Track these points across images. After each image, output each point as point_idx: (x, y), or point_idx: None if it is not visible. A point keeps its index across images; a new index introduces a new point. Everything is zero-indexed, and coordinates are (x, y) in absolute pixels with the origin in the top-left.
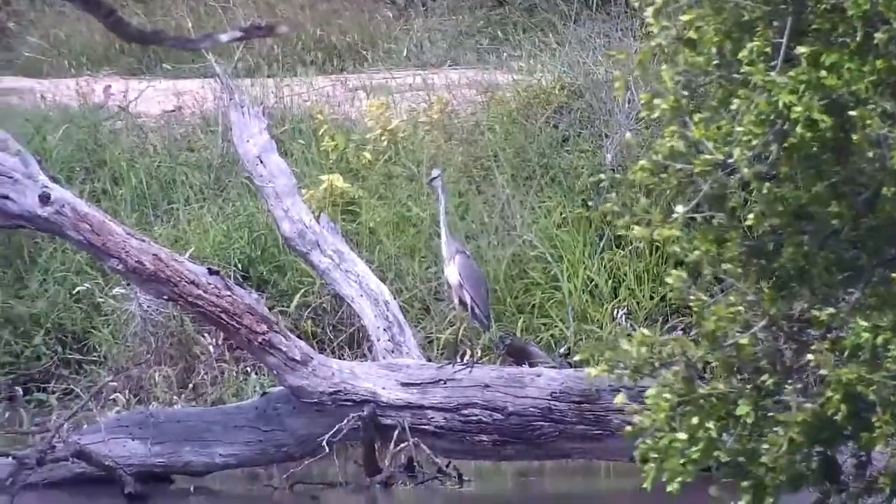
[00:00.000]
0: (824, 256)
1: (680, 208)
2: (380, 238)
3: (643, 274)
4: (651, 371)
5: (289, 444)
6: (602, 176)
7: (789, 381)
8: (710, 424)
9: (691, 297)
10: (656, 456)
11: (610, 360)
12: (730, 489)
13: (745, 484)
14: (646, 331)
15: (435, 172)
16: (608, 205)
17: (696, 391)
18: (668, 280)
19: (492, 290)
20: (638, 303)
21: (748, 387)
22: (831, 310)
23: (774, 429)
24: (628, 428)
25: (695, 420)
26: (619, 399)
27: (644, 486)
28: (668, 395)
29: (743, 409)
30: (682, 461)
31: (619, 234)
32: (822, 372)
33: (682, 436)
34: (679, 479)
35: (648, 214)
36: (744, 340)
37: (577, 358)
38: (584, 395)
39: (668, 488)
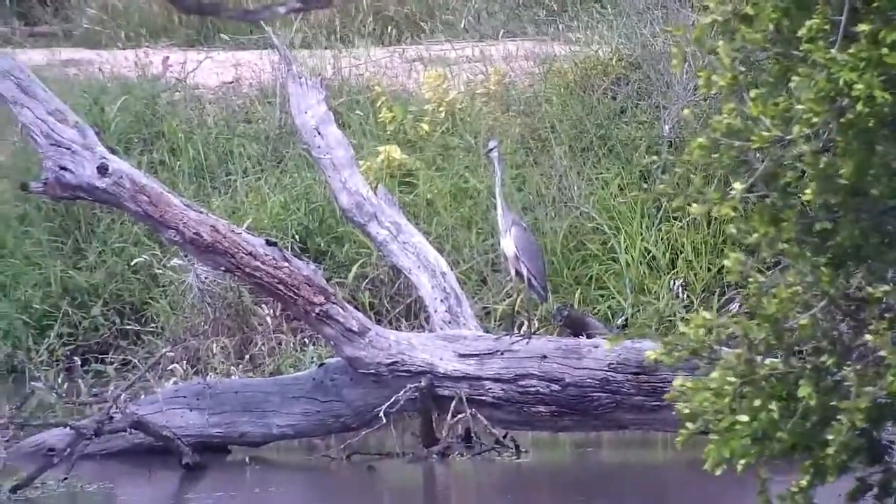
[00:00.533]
0: (880, 233)
1: (738, 185)
2: (437, 209)
3: (701, 246)
4: (709, 353)
5: (346, 414)
6: (655, 158)
7: (848, 363)
8: (772, 405)
9: (749, 279)
10: (718, 437)
11: (668, 343)
12: (783, 467)
13: (806, 463)
14: (705, 313)
15: (492, 144)
16: (662, 186)
17: (757, 373)
18: (726, 262)
19: (549, 262)
20: (695, 274)
21: (808, 367)
22: (886, 287)
23: (837, 417)
24: (686, 410)
25: (757, 402)
26: (677, 383)
27: (705, 467)
28: (731, 378)
29: (804, 389)
30: (744, 442)
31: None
32: (882, 353)
33: (744, 417)
34: (742, 460)
35: (703, 194)
36: (804, 321)
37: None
38: (641, 367)
39: (721, 468)
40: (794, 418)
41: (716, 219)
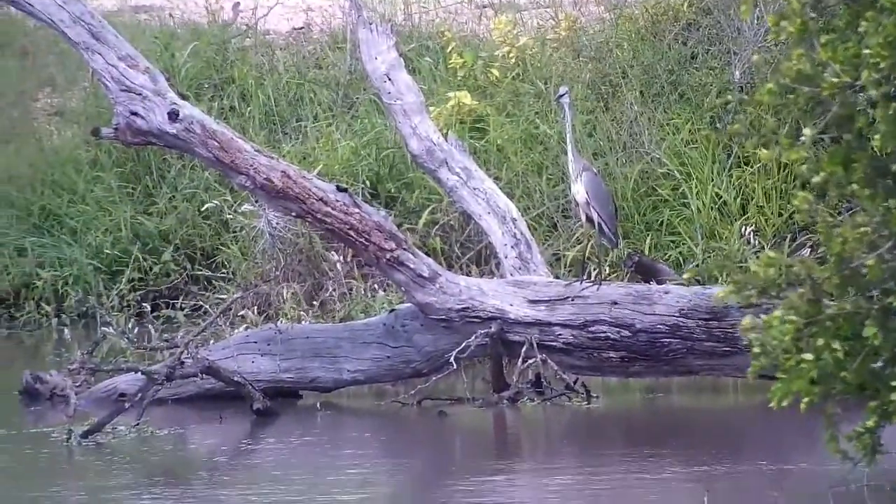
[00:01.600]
0: None
1: (808, 131)
2: (507, 155)
3: (771, 191)
4: (778, 292)
5: (416, 360)
6: (729, 97)
7: None
8: (836, 345)
9: (818, 219)
10: (783, 376)
11: (737, 282)
12: (853, 407)
13: (872, 404)
14: (772, 253)
15: (562, 90)
16: (735, 126)
17: (822, 312)
18: (795, 202)
19: (619, 208)
20: (766, 220)
21: (875, 307)
22: None
23: None
24: (755, 349)
25: (821, 341)
26: (746, 322)
27: (770, 405)
28: (794, 317)
29: (870, 330)
30: (808, 382)
31: (748, 151)
32: None
33: (809, 356)
34: (806, 399)
35: (775, 136)
36: (870, 261)
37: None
38: (712, 312)
39: (785, 405)
40: (859, 359)
41: (786, 165)
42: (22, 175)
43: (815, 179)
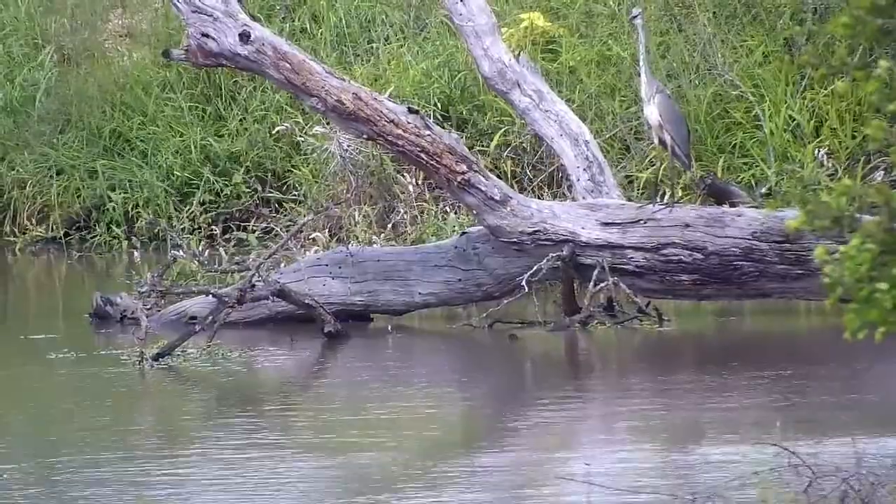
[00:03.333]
0: None
1: (884, 63)
2: (580, 77)
3: (845, 114)
4: (851, 222)
5: (488, 283)
6: (798, 28)
7: None
8: None
9: (891, 147)
10: (857, 307)
11: (809, 211)
12: None
13: None
14: (847, 180)
15: (636, 10)
16: (804, 57)
17: None
18: (868, 130)
19: (692, 130)
20: (840, 142)
21: None
22: None
23: None
24: (826, 280)
25: None
26: (820, 251)
27: (845, 335)
28: (869, 245)
29: None
30: (884, 311)
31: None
32: None
33: (884, 286)
34: (881, 329)
35: (846, 66)
36: None
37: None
38: (785, 235)
39: (862, 334)
40: None
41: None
42: (92, 97)
43: (890, 108)
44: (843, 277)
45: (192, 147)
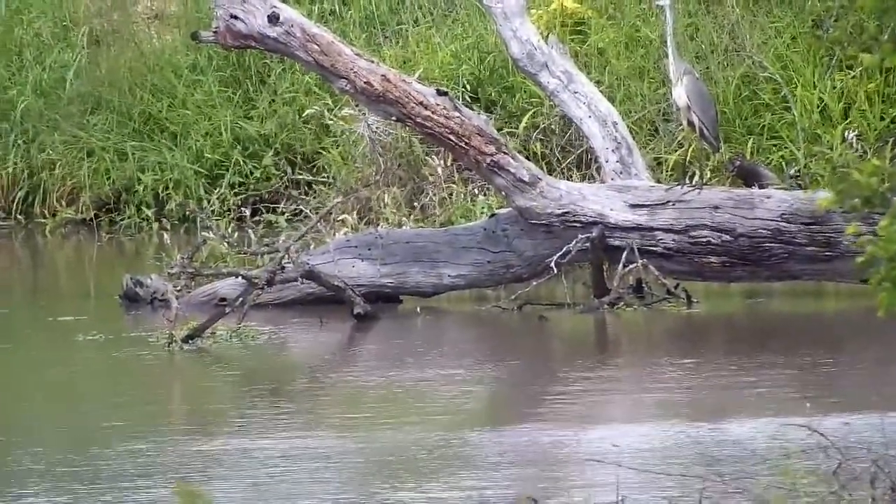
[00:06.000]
0: None
1: None
2: (608, 59)
3: (874, 95)
4: (882, 201)
5: (516, 265)
6: (830, 3)
7: None
8: None
9: None
10: (889, 285)
11: (840, 191)
12: None
13: None
14: (876, 160)
15: None
16: (835, 34)
17: None
18: None
19: (721, 112)
20: (869, 124)
21: None
22: None
23: None
24: (859, 259)
25: None
26: (851, 229)
27: (878, 313)
28: None
29: None
30: None
31: (850, 56)
32: None
33: None
34: None
35: (877, 42)
36: None
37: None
38: (814, 217)
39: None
40: None
41: (889, 68)
42: (122, 79)
43: None
44: (876, 256)
45: (222, 129)
